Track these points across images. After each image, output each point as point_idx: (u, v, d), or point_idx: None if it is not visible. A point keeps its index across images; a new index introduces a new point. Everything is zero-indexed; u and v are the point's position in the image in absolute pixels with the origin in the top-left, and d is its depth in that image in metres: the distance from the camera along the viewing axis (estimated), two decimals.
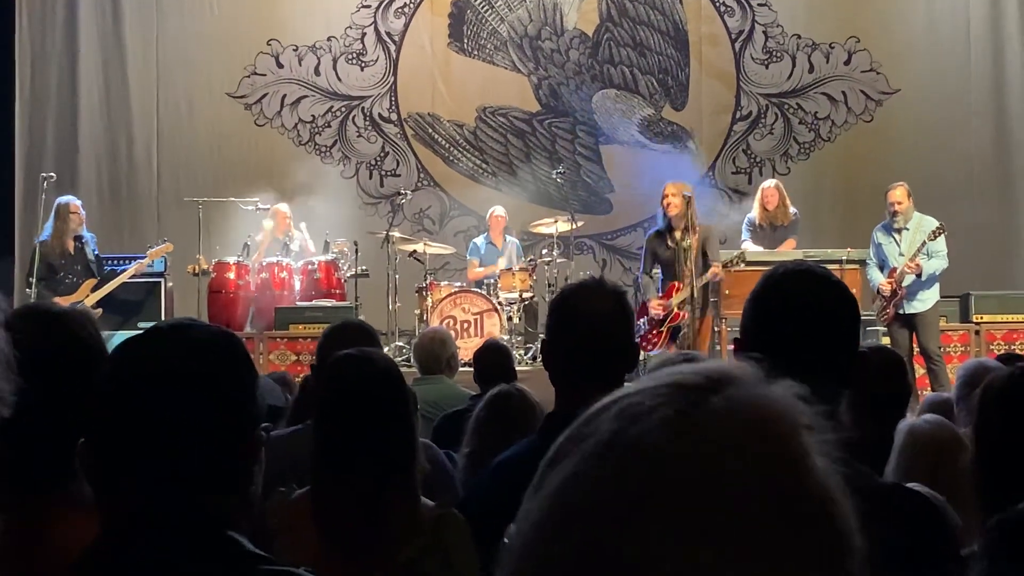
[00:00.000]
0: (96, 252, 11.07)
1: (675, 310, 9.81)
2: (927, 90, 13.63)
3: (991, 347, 11.35)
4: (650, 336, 9.97)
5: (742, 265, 9.96)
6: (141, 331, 1.83)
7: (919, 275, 10.03)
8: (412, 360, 7.60)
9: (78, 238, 10.91)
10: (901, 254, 10.17)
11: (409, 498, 2.76)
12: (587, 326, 2.79)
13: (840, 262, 10.53)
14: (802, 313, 2.26)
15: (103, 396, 1.72)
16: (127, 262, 11.42)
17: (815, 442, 0.87)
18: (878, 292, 10.17)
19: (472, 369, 6.09)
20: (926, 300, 10.17)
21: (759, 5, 13.93)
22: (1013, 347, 11.51)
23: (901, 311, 10.11)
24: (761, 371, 0.89)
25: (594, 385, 2.77)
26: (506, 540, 0.92)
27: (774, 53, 13.95)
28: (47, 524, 2.02)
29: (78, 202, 11.10)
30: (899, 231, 10.23)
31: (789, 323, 2.24)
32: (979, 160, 13.48)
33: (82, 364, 2.08)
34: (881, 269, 10.28)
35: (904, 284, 10.07)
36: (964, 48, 13.72)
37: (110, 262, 11.39)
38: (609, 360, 2.81)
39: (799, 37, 13.91)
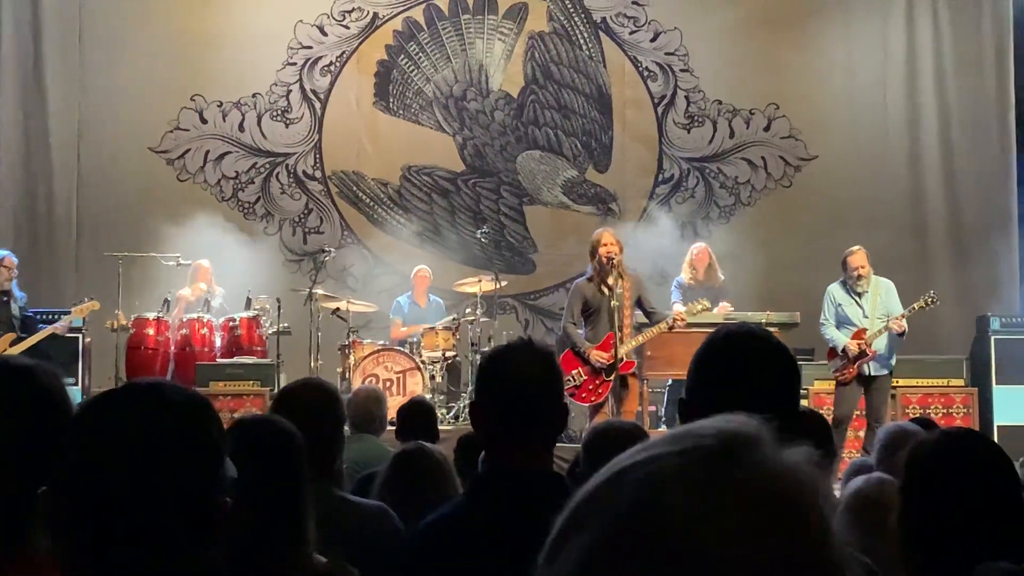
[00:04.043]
0: (23, 308, 11.09)
1: (625, 358, 9.52)
2: (844, 157, 13.87)
3: (907, 411, 11.52)
4: (594, 387, 9.57)
5: (701, 310, 9.99)
6: (114, 388, 1.82)
7: (902, 333, 10.14)
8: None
9: (5, 292, 10.99)
10: (866, 316, 10.24)
11: (296, 554, 2.75)
12: (517, 388, 2.78)
13: (759, 325, 10.60)
14: (747, 375, 2.30)
15: (72, 449, 1.70)
16: (55, 318, 11.39)
17: (830, 510, 0.88)
18: (843, 351, 10.18)
19: (394, 427, 6.07)
20: (889, 365, 10.29)
21: (681, 71, 14.14)
22: (928, 411, 11.69)
23: (865, 373, 10.18)
24: (772, 431, 0.90)
25: (524, 447, 2.78)
26: None
27: (696, 118, 14.15)
28: None
29: (14, 259, 11.15)
30: (860, 294, 10.32)
31: (735, 385, 2.28)
32: (895, 227, 13.72)
33: (43, 417, 2.06)
34: (836, 328, 10.34)
35: (873, 346, 10.14)
36: (881, 116, 14.01)
37: (40, 317, 11.35)
38: (539, 422, 2.81)
39: (720, 103, 14.13)
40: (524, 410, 2.77)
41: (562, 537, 0.90)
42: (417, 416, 5.94)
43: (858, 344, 10.12)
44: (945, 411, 11.92)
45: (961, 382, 12.37)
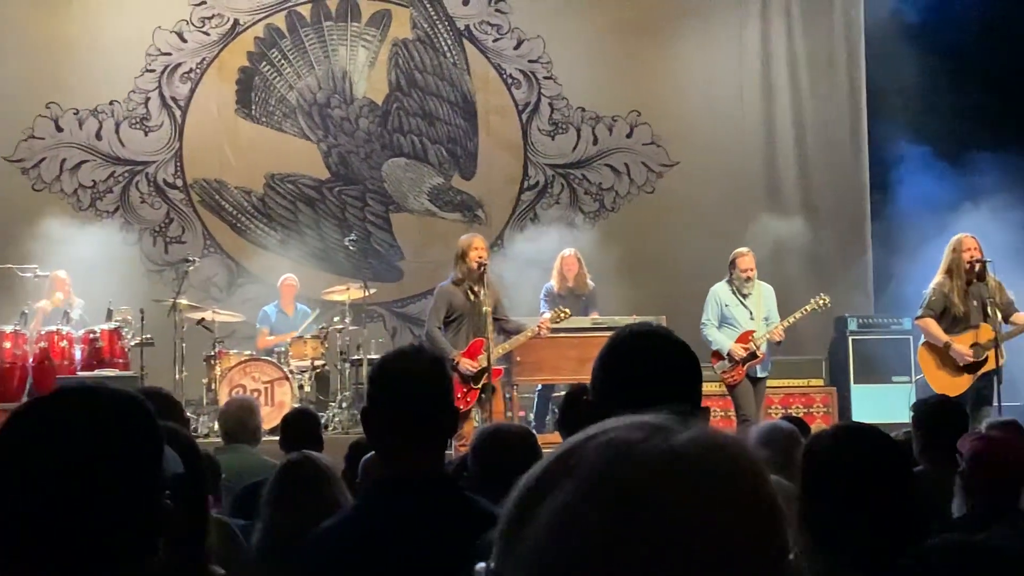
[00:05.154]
0: None
1: (493, 366, 9.44)
2: (704, 162, 14.08)
3: (769, 410, 11.73)
4: (462, 394, 9.32)
5: (564, 317, 10.02)
6: (45, 394, 1.78)
7: (780, 342, 10.26)
8: (217, 427, 7.47)
9: None
10: (752, 318, 10.31)
11: (197, 565, 2.73)
12: (410, 392, 2.81)
13: (660, 324, 10.66)
14: (654, 372, 2.33)
15: (6, 459, 1.65)
16: None
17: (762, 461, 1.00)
18: (728, 355, 10.14)
19: (276, 437, 6.02)
20: (769, 367, 10.42)
21: (544, 78, 14.24)
22: (789, 410, 11.95)
23: (753, 374, 10.23)
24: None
25: (418, 451, 2.80)
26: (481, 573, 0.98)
27: (560, 125, 14.26)
28: None
29: None
30: (747, 296, 10.37)
31: (641, 382, 2.31)
32: (753, 231, 13.97)
33: None
34: (718, 329, 10.32)
35: (763, 349, 10.21)
36: (739, 120, 14.27)
37: None
38: (432, 424, 2.84)
39: (583, 110, 14.27)
40: (419, 414, 2.81)
41: (533, 501, 0.96)
42: (302, 425, 5.90)
43: (744, 348, 10.16)
44: (806, 410, 12.21)
45: (821, 382, 12.72)
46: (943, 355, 9.78)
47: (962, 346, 9.66)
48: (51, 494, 1.61)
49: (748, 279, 10.28)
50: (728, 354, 10.12)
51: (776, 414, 11.48)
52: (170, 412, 3.42)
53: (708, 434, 0.98)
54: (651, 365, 2.36)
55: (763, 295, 10.36)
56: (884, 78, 13.72)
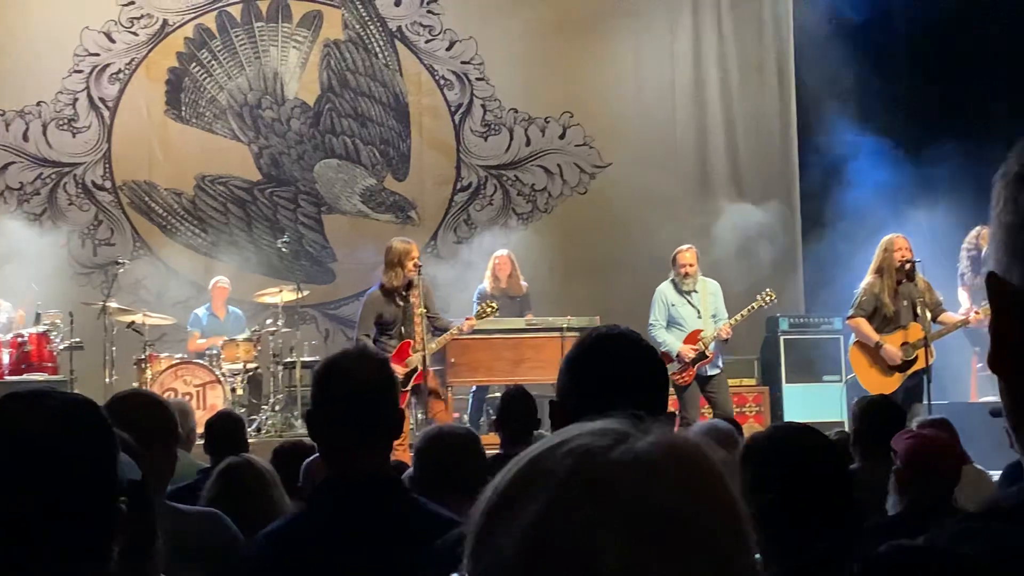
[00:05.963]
0: None
1: (419, 368, 9.47)
2: (636, 163, 14.12)
3: (702, 410, 11.79)
4: None
5: (496, 314, 10.03)
6: None
7: (726, 340, 10.29)
8: None
9: None
10: (699, 317, 10.34)
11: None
12: (354, 394, 2.81)
13: (561, 330, 10.75)
14: (622, 375, 2.33)
15: None
16: None
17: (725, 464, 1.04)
18: (678, 356, 10.15)
19: (202, 441, 5.97)
20: (719, 363, 10.44)
21: (477, 79, 14.23)
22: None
23: (704, 373, 10.26)
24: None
25: (363, 451, 2.80)
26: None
27: (492, 126, 14.26)
28: None
29: None
30: (690, 293, 10.39)
31: (610, 385, 2.30)
32: (687, 231, 14.04)
33: None
34: (666, 329, 10.33)
35: (711, 348, 10.23)
36: (670, 122, 14.35)
37: None
38: (377, 426, 2.84)
39: (516, 111, 14.27)
40: (365, 415, 2.80)
41: (504, 509, 0.98)
42: (225, 429, 5.85)
43: (693, 349, 10.20)
44: (739, 410, 12.26)
45: (753, 381, 12.81)
46: (874, 354, 9.91)
47: (892, 347, 9.78)
48: (3, 499, 1.58)
49: (687, 275, 10.35)
50: (677, 355, 10.17)
51: (709, 414, 11.54)
52: (147, 412, 3.36)
53: (669, 438, 1.01)
54: (617, 368, 2.35)
55: (708, 292, 10.43)
56: (832, 72, 13.73)
